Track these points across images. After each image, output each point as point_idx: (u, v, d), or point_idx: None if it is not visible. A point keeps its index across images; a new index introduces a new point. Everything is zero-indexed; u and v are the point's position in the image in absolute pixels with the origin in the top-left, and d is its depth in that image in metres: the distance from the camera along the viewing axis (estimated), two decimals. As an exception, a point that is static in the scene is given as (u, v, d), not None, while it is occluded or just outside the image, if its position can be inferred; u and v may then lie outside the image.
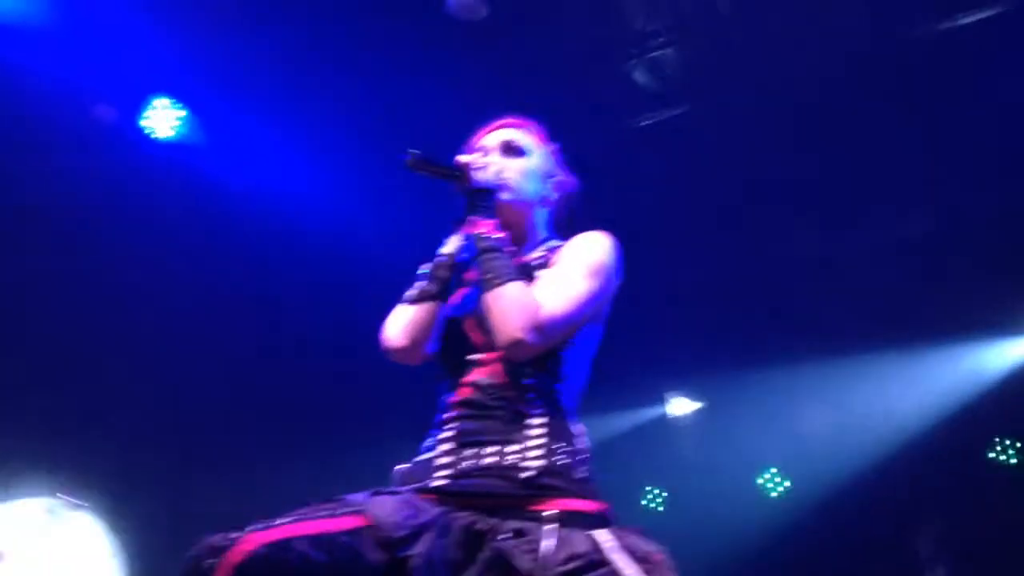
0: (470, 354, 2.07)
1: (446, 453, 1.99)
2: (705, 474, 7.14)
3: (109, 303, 5.17)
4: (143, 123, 4.96)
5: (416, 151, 2.06)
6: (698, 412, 7.29)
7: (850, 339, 6.42)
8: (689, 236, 6.02)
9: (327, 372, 5.79)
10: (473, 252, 2.06)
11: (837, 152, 5.40)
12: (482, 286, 2.01)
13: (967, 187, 5.56)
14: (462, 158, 2.15)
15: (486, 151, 2.25)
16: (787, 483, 7.13)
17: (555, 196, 2.30)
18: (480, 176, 2.12)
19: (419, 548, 1.81)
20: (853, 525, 6.58)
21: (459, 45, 4.73)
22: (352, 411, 5.82)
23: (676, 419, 7.31)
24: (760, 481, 7.20)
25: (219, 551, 1.74)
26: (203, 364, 5.54)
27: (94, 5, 4.47)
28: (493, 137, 2.28)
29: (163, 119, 4.97)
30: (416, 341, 2.10)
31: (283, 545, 1.77)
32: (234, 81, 4.83)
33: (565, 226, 2.29)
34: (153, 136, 4.96)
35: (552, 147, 2.34)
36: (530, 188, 2.24)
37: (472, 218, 2.09)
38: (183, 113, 4.98)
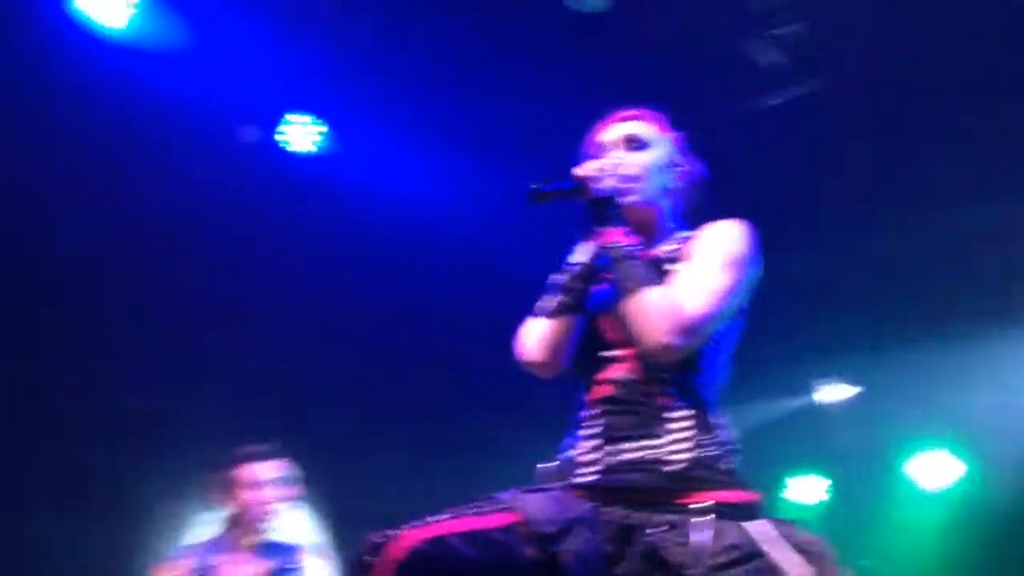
0: (605, 351, 2.05)
1: (591, 450, 1.98)
2: (861, 462, 6.89)
3: (256, 310, 5.37)
4: (281, 138, 5.16)
5: (535, 185, 2.05)
6: (853, 398, 7.02)
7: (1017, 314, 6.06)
8: (830, 217, 5.82)
9: (466, 378, 5.88)
10: (605, 262, 2.02)
11: (981, 122, 5.10)
12: (621, 295, 1.97)
13: None
14: (579, 171, 2.09)
15: (606, 148, 2.20)
16: (956, 470, 6.78)
17: (681, 186, 2.24)
18: (601, 186, 2.06)
19: (570, 544, 1.83)
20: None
21: (580, 37, 4.71)
22: (494, 411, 5.88)
23: (828, 406, 7.06)
24: (922, 468, 6.88)
25: (378, 548, 1.81)
26: (350, 368, 5.70)
27: (230, 27, 4.65)
28: (613, 132, 2.23)
29: (303, 134, 5.16)
30: (554, 356, 2.08)
31: (439, 542, 1.82)
32: (364, 92, 4.96)
33: (694, 215, 2.23)
34: (292, 151, 5.16)
35: (675, 135, 2.28)
36: (654, 182, 2.18)
37: (600, 228, 2.04)
38: (324, 128, 5.16)
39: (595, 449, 1.98)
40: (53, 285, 4.80)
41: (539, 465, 2.06)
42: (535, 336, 2.11)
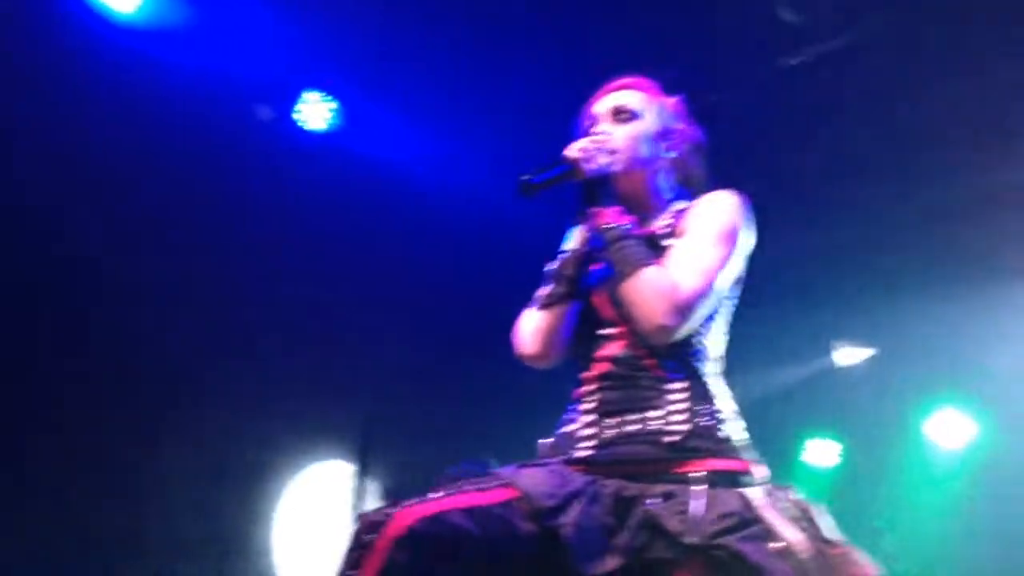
0: (602, 329, 2.07)
1: (588, 424, 2.01)
2: (878, 423, 6.88)
3: (275, 288, 5.41)
4: (296, 116, 5.19)
5: (526, 176, 2.02)
6: (869, 360, 7.00)
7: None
8: (846, 178, 5.78)
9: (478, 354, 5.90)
10: (600, 243, 2.02)
11: (1001, 80, 5.03)
12: (616, 277, 1.98)
13: None
14: (569, 152, 2.07)
15: (597, 120, 2.19)
16: (972, 428, 6.76)
17: (676, 153, 2.22)
18: (592, 166, 2.04)
19: (570, 517, 1.85)
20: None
21: (589, 8, 4.69)
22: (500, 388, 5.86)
23: (845, 368, 7.05)
24: (939, 428, 6.86)
25: (377, 526, 1.81)
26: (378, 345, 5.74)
27: (239, 6, 4.68)
28: (603, 104, 2.22)
29: (315, 112, 5.19)
30: (549, 347, 2.12)
31: (438, 518, 1.82)
32: (375, 69, 4.98)
33: (695, 182, 2.22)
34: (307, 128, 5.19)
35: (670, 101, 2.25)
36: (644, 152, 2.16)
37: (593, 209, 2.04)
38: (334, 105, 5.19)
39: (593, 424, 2.01)
40: (62, 262, 4.84)
41: (539, 441, 2.10)
42: (529, 328, 2.13)
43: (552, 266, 2.14)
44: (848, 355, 7.00)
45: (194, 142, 4.88)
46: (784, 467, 7.01)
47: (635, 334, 2.02)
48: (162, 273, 5.06)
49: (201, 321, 5.17)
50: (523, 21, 4.68)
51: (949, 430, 6.76)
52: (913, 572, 5.46)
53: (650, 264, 1.96)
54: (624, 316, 2.01)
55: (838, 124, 5.49)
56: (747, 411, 2.06)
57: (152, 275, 5.05)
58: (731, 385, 2.08)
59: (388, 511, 1.84)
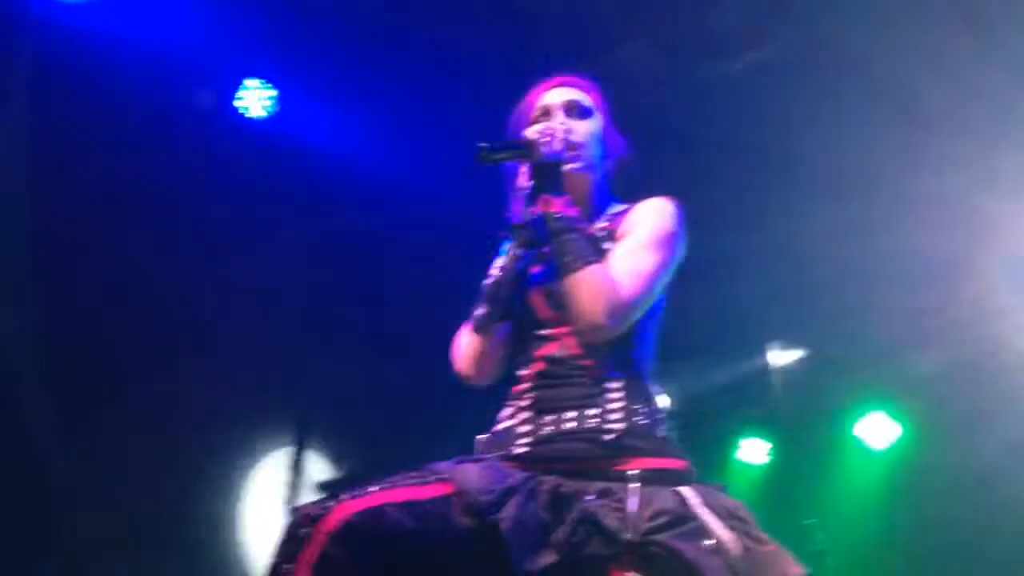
0: (539, 329, 2.09)
1: (525, 422, 2.02)
2: (807, 425, 7.02)
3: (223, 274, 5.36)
4: (238, 104, 5.12)
5: (484, 144, 2.03)
6: (798, 361, 7.15)
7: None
8: (780, 182, 5.88)
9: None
10: (545, 232, 2.03)
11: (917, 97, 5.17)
12: (560, 268, 2.00)
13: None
14: (529, 132, 2.10)
15: (550, 112, 2.20)
16: (896, 431, 6.94)
17: (610, 160, 2.26)
18: (550, 150, 2.06)
19: (507, 512, 1.85)
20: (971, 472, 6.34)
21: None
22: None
23: (776, 369, 7.19)
24: (866, 430, 7.03)
25: (314, 520, 1.79)
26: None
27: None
28: (556, 96, 2.23)
29: (255, 99, 5.12)
30: (484, 370, 2.15)
31: (375, 513, 1.81)
32: (315, 56, 4.94)
33: (618, 190, 2.26)
34: (248, 116, 5.13)
35: (606, 107, 2.28)
36: (594, 152, 2.20)
37: (543, 196, 2.05)
38: (274, 93, 5.13)
39: (529, 421, 2.02)
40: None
41: (477, 437, 2.09)
42: (465, 351, 2.15)
43: (487, 284, 2.13)
44: (780, 357, 7.14)
45: (131, 127, 4.79)
46: (719, 464, 7.14)
47: (572, 334, 2.03)
48: (93, 262, 4.94)
49: (129, 312, 5.06)
50: (465, 10, 4.68)
51: (877, 431, 6.94)
52: (842, 569, 5.57)
53: (593, 262, 1.98)
54: (563, 317, 2.03)
55: (770, 127, 5.60)
56: (684, 409, 2.09)
57: (81, 264, 4.93)
58: (665, 385, 2.12)
59: (325, 505, 1.82)
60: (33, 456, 4.75)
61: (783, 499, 6.70)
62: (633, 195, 2.21)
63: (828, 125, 5.51)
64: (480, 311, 2.13)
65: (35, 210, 4.76)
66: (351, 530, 1.78)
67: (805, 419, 7.02)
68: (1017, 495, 6.12)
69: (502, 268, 2.12)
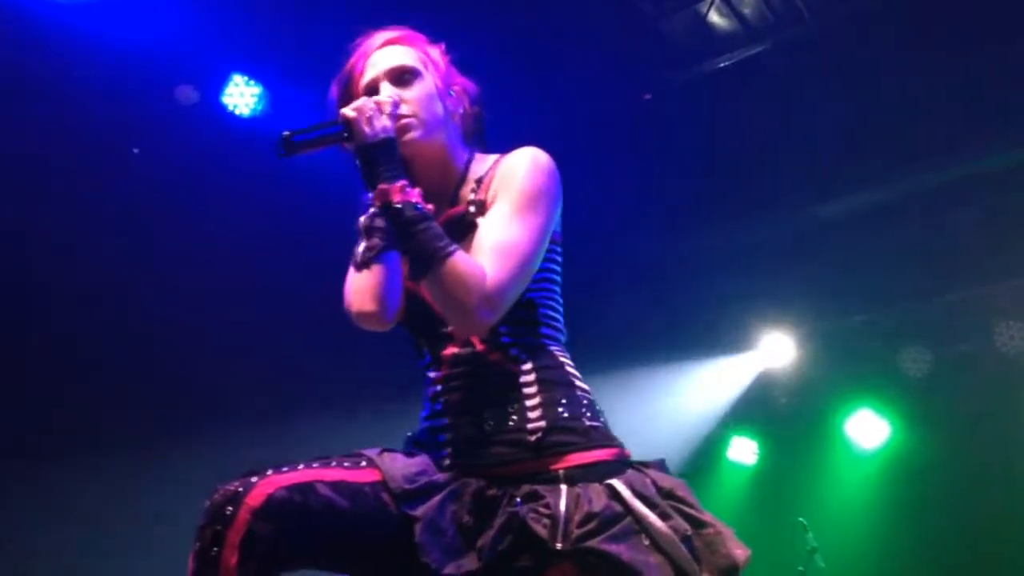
0: (441, 327, 1.91)
1: (445, 428, 1.90)
2: (798, 423, 7.01)
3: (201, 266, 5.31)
4: (225, 100, 5.08)
5: (287, 132, 1.76)
6: (791, 360, 7.11)
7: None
8: (773, 180, 5.87)
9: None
10: (389, 229, 1.81)
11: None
12: (413, 272, 1.79)
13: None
14: (346, 111, 1.82)
15: (375, 86, 1.94)
16: (884, 431, 6.92)
17: (460, 109, 2.02)
18: (371, 128, 1.80)
19: (422, 511, 1.75)
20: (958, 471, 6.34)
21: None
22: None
23: (769, 367, 7.15)
24: (855, 429, 7.00)
25: (238, 496, 1.66)
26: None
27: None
28: (374, 67, 1.97)
29: (241, 96, 5.09)
30: (380, 304, 1.88)
31: (305, 488, 1.69)
32: (302, 54, 4.90)
33: (479, 135, 2.05)
34: (235, 113, 5.09)
35: (438, 49, 2.05)
36: (439, 112, 1.96)
37: (377, 185, 1.79)
38: (258, 90, 5.10)
39: (448, 427, 1.90)
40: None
41: (407, 434, 1.99)
42: (358, 288, 1.90)
43: (362, 220, 1.89)
44: (773, 356, 7.11)
45: (114, 124, 4.78)
46: (709, 464, 7.12)
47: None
48: (69, 260, 4.91)
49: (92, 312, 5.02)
50: (452, 6, 4.66)
51: (866, 430, 6.92)
52: (832, 567, 5.57)
53: (450, 253, 1.75)
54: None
55: (762, 123, 5.60)
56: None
57: (58, 261, 4.89)
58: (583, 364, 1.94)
59: (251, 480, 1.69)
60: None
61: (773, 498, 6.69)
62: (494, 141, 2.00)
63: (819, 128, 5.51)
64: (360, 247, 1.89)
65: (10, 211, 4.70)
66: (278, 504, 1.66)
67: (795, 418, 7.01)
68: (1006, 493, 6.12)
69: (366, 248, 1.88)
